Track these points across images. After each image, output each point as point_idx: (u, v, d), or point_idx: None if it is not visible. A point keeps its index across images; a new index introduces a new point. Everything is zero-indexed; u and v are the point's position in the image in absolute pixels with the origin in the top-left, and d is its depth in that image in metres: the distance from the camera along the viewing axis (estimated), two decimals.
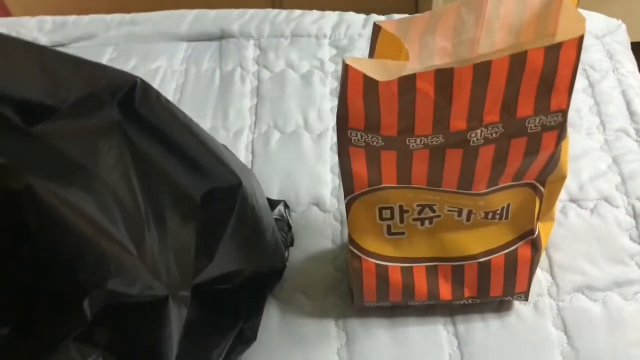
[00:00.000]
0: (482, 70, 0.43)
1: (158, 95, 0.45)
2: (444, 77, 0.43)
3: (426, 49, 0.48)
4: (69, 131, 0.38)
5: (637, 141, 0.76)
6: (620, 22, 0.90)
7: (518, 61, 0.43)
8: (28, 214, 0.36)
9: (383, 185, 0.54)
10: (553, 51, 0.43)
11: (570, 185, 0.72)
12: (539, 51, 0.42)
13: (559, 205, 0.70)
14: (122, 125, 0.42)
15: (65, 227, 0.37)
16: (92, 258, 0.39)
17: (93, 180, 0.39)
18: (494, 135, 0.47)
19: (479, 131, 0.47)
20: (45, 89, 0.38)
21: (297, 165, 0.76)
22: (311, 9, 0.95)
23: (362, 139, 0.48)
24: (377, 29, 0.49)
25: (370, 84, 0.44)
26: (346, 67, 0.44)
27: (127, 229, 0.40)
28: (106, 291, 0.40)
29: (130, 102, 0.42)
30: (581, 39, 0.42)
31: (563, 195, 0.71)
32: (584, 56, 0.86)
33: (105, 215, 0.39)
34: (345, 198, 0.55)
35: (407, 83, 0.43)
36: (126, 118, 0.42)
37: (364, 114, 0.46)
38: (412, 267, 0.59)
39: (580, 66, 0.85)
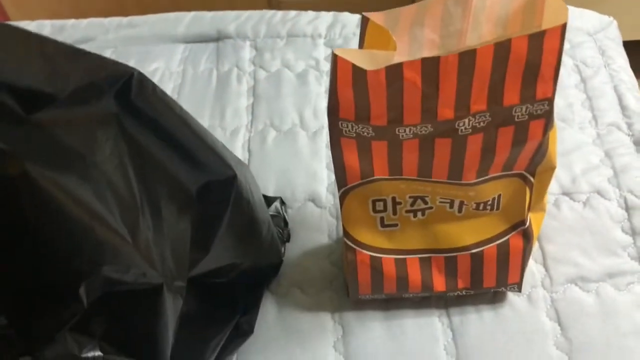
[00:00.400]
0: (467, 59, 0.44)
1: (154, 87, 0.46)
2: (430, 66, 0.44)
3: (415, 41, 0.49)
4: (67, 119, 0.39)
5: (628, 135, 0.77)
6: (611, 18, 0.91)
7: (502, 49, 0.44)
8: (25, 199, 0.37)
9: (375, 177, 0.54)
10: (536, 39, 0.43)
11: (562, 178, 0.73)
12: (523, 39, 0.43)
13: (551, 198, 0.71)
14: (119, 116, 0.43)
15: (61, 212, 0.38)
16: (87, 244, 0.39)
17: (90, 168, 0.40)
18: (482, 123, 0.48)
19: (466, 120, 0.48)
20: (44, 77, 0.39)
21: (292, 162, 0.77)
22: (307, 9, 0.96)
23: (352, 130, 0.49)
24: (365, 20, 0.50)
25: (358, 73, 0.45)
26: (335, 58, 0.44)
27: (122, 216, 0.41)
28: (101, 277, 0.41)
29: (127, 93, 0.43)
30: (564, 27, 0.43)
31: (556, 188, 0.72)
32: (576, 52, 0.87)
33: (101, 202, 0.40)
34: (338, 190, 0.56)
35: (395, 72, 0.44)
36: (122, 109, 0.43)
37: (354, 104, 0.47)
38: (405, 259, 0.60)
39: (572, 62, 0.85)
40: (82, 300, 0.41)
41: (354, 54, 0.44)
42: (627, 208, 0.70)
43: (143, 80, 0.44)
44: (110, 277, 0.41)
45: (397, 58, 0.45)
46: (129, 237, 0.42)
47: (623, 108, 0.80)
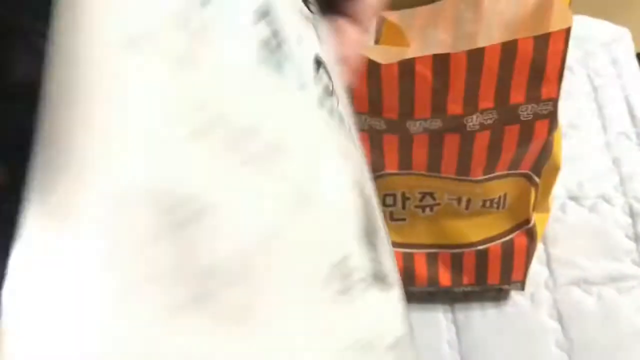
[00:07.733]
0: (475, 57, 0.46)
1: None
2: (440, 62, 0.47)
3: (428, 40, 0.51)
4: None
5: (637, 144, 0.79)
6: (625, 29, 0.92)
7: (509, 49, 0.46)
8: None
9: (385, 172, 0.57)
10: (542, 41, 0.46)
11: (569, 183, 0.74)
12: (529, 40, 0.46)
13: (558, 202, 0.73)
14: None
15: None
16: None
17: None
18: (489, 121, 0.50)
19: (474, 116, 0.50)
20: None
21: None
22: None
23: (365, 122, 0.51)
24: (381, 19, 0.52)
25: (373, 66, 0.47)
26: None
27: None
28: None
29: None
30: (568, 31, 0.45)
31: (562, 193, 0.74)
32: (588, 61, 0.88)
33: None
34: None
35: (407, 66, 0.47)
36: None
37: (367, 97, 0.49)
38: (413, 253, 0.62)
39: (585, 71, 0.87)
40: None
41: (368, 49, 0.47)
42: (632, 215, 0.72)
43: None
44: None
45: (410, 54, 0.48)
46: None
47: (633, 118, 0.81)
